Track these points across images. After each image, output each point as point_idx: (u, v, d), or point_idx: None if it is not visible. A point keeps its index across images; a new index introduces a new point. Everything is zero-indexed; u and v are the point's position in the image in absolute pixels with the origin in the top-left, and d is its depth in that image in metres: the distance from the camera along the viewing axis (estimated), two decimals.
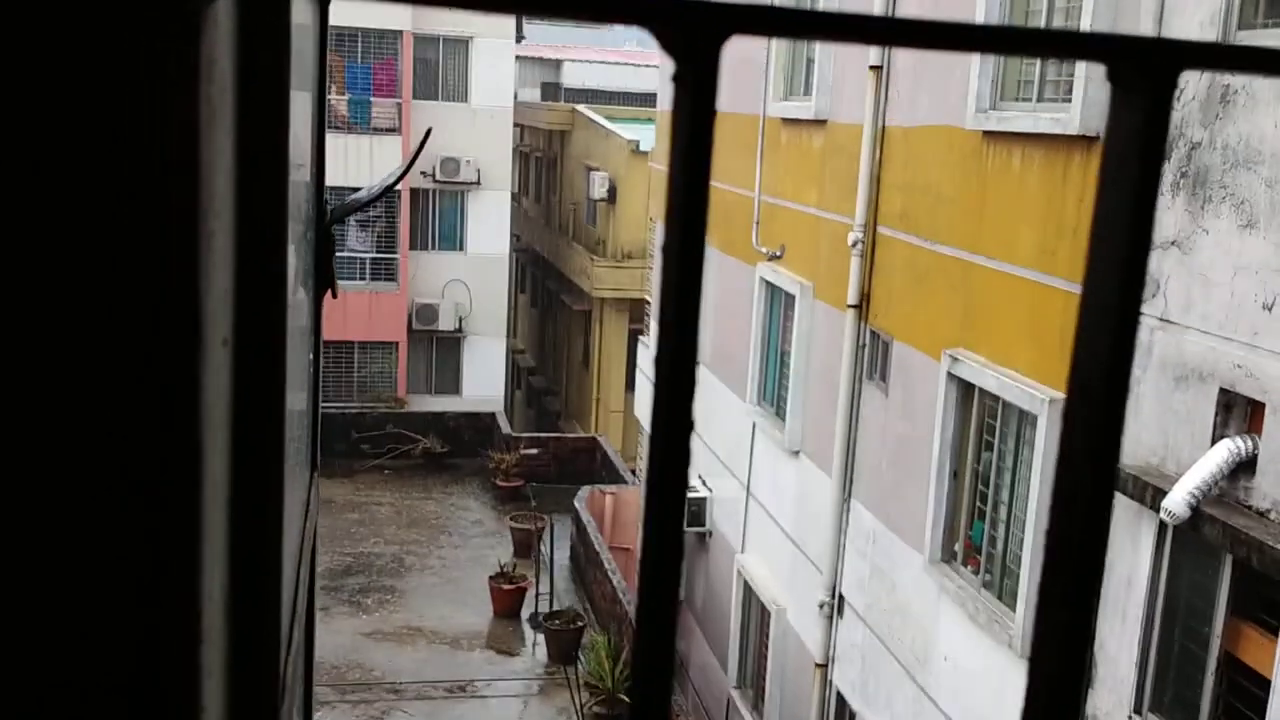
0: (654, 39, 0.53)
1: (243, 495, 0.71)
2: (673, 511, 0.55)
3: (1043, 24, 8.20)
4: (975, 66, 8.68)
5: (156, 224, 0.45)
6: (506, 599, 17.87)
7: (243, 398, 0.69)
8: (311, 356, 1.74)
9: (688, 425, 0.54)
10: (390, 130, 25.62)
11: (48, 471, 0.48)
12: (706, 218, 0.55)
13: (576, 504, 19.53)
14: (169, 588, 0.53)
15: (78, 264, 0.45)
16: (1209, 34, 6.39)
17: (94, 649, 0.52)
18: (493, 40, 26.47)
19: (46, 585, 0.50)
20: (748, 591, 13.41)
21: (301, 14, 1.49)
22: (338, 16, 23.82)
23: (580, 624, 16.90)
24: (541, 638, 17.05)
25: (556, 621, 16.85)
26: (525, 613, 17.93)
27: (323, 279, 1.73)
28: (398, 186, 25.48)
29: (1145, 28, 6.83)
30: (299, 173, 1.54)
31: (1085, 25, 7.39)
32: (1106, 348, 0.55)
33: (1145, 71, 0.54)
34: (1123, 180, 0.56)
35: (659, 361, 0.54)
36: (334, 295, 1.85)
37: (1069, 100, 7.69)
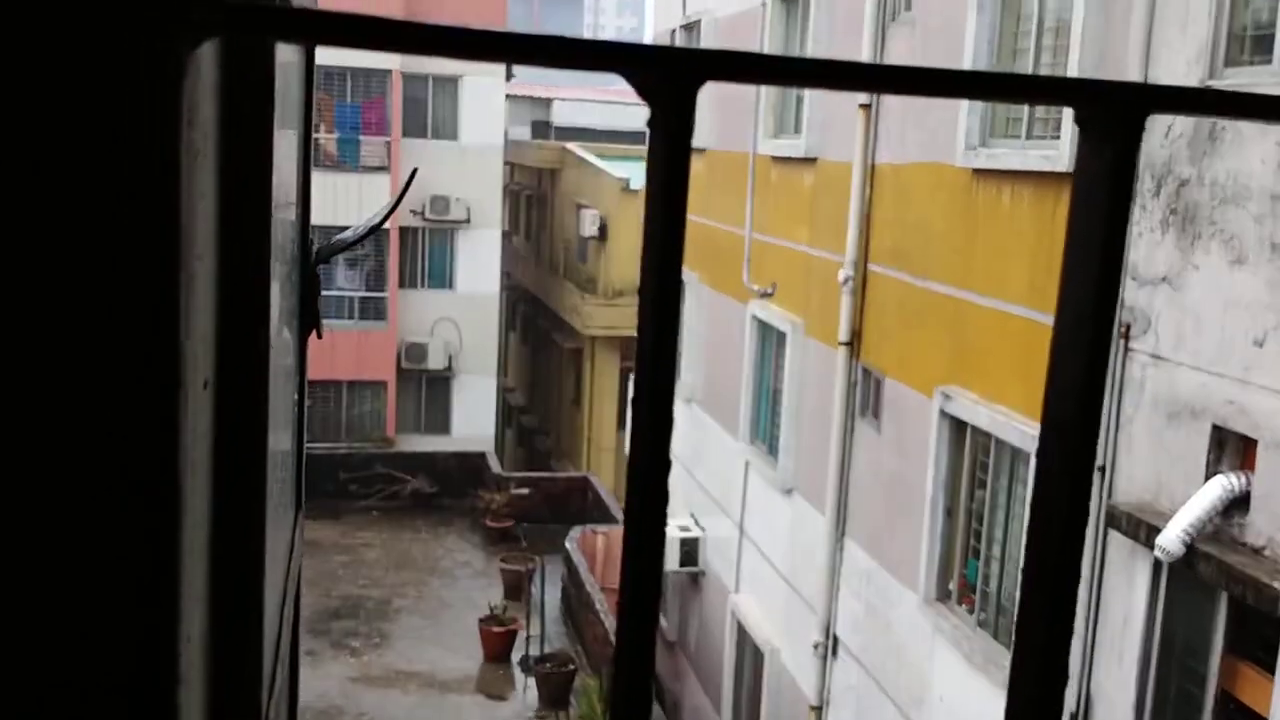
0: (630, 85, 0.53)
1: (225, 538, 0.70)
2: (651, 547, 0.55)
3: (1030, 61, 8.29)
4: (964, 104, 8.75)
5: (136, 267, 0.46)
6: (497, 642, 17.72)
7: (225, 439, 0.68)
8: (296, 397, 1.74)
9: (665, 462, 0.54)
10: (379, 169, 25.70)
11: (22, 510, 0.48)
12: (682, 257, 0.56)
13: (568, 544, 19.44)
14: (146, 628, 0.52)
15: (55, 307, 0.46)
16: (1195, 71, 6.46)
17: (71, 690, 0.51)
18: (482, 79, 26.63)
19: (19, 620, 0.50)
20: (741, 632, 13.33)
21: (287, 52, 1.50)
22: (326, 56, 23.96)
23: (572, 667, 16.76)
24: (533, 681, 16.89)
25: (548, 665, 16.71)
26: (516, 656, 17.78)
27: (308, 319, 1.73)
28: (386, 225, 25.55)
29: (1132, 64, 6.90)
30: (284, 212, 1.54)
31: (1073, 61, 7.47)
32: (1078, 384, 0.56)
33: (1113, 115, 0.55)
34: (1092, 222, 0.56)
35: (636, 400, 0.54)
36: (319, 336, 1.85)
37: (1058, 137, 7.76)
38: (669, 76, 0.52)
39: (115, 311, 0.47)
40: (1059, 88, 0.55)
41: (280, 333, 1.48)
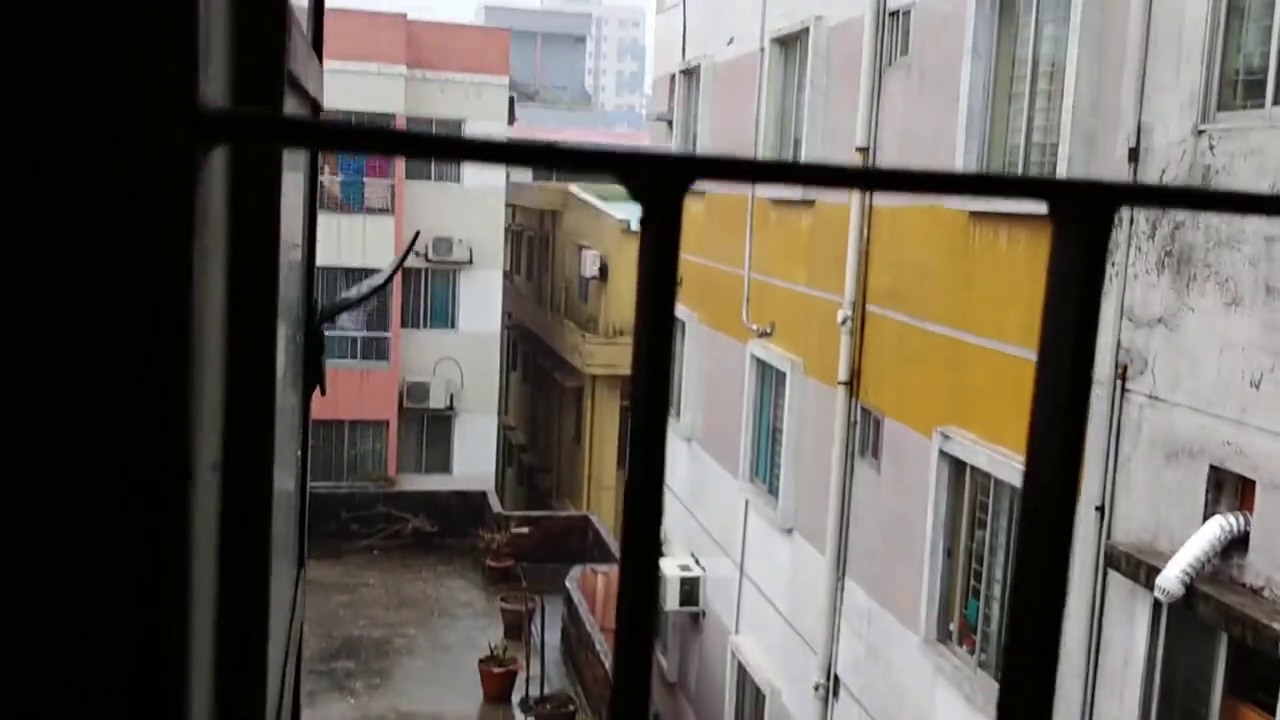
0: (624, 187, 0.56)
1: (228, 611, 0.72)
2: (646, 587, 0.58)
3: (1025, 104, 8.36)
4: (960, 146, 8.83)
5: (149, 366, 0.48)
6: (497, 682, 17.61)
7: (230, 518, 0.71)
8: (299, 453, 1.76)
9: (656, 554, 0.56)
10: (383, 210, 25.85)
11: (32, 582, 0.50)
12: (671, 346, 0.58)
13: (568, 584, 19.36)
14: (153, 704, 0.54)
15: (74, 405, 0.48)
16: (1189, 115, 6.52)
17: None
18: (485, 123, 26.83)
19: (32, 683, 0.51)
20: (742, 673, 13.26)
21: (292, 108, 1.53)
22: (331, 99, 24.17)
23: (572, 708, 16.65)
24: None
25: (548, 705, 16.60)
26: (516, 696, 17.66)
27: (311, 377, 1.76)
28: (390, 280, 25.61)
29: (1126, 108, 6.97)
30: (290, 271, 1.57)
31: (1067, 105, 7.53)
32: (1054, 465, 0.58)
33: (1083, 209, 0.57)
34: (1065, 311, 0.59)
35: (628, 487, 0.57)
36: (323, 393, 1.87)
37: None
38: (659, 179, 0.55)
39: (129, 408, 0.49)
40: (1033, 185, 0.58)
41: (284, 392, 1.50)
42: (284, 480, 1.38)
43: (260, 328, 0.73)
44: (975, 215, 8.72)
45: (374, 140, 0.49)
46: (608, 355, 25.85)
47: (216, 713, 0.74)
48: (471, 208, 26.84)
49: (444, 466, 27.23)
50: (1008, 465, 8.10)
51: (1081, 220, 0.57)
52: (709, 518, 14.64)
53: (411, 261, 26.19)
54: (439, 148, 0.50)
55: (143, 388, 0.48)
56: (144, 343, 0.48)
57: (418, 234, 3.02)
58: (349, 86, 24.69)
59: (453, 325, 27.30)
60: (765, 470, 13.04)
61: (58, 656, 0.50)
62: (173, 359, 0.49)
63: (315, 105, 1.63)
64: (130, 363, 0.48)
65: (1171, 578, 6.09)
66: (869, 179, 0.54)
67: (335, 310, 2.24)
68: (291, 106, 1.14)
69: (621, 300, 25.93)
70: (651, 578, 0.56)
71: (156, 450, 0.50)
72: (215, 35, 0.60)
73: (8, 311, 0.48)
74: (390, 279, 2.63)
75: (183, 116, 0.46)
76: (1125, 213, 6.96)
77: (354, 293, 2.38)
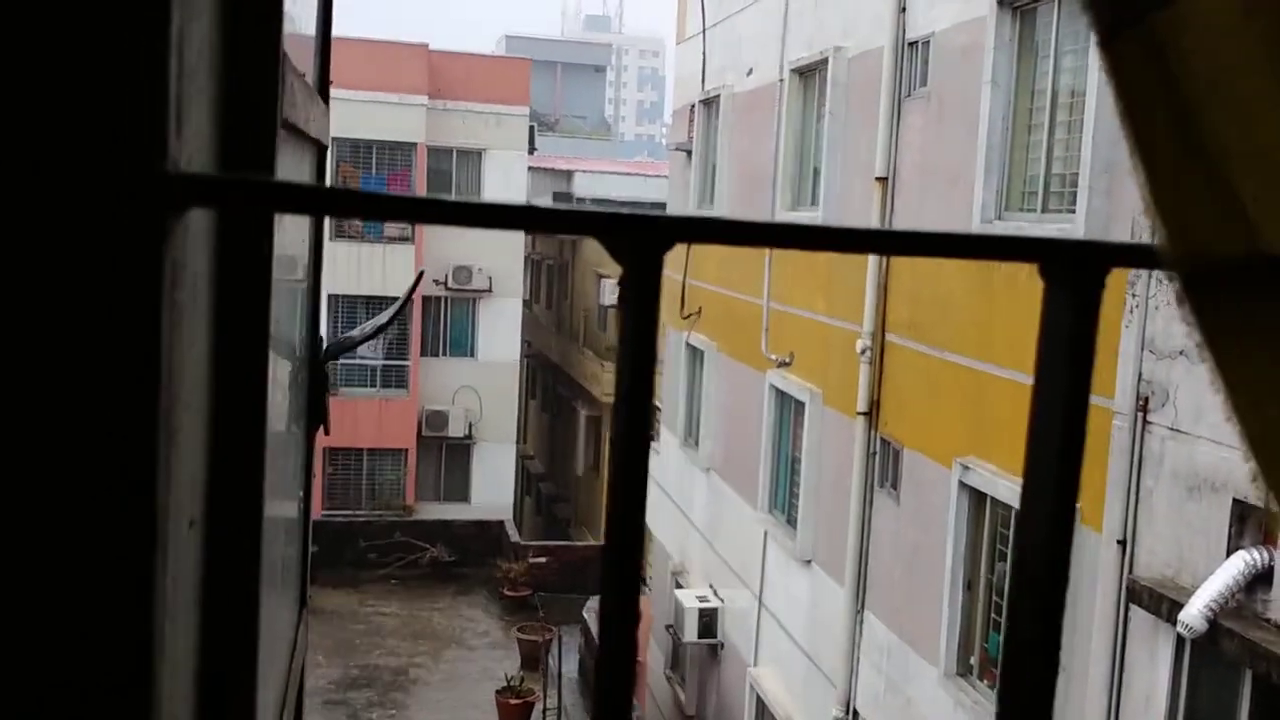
0: (605, 249, 0.56)
1: (212, 668, 0.71)
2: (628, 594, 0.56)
3: (1045, 135, 8.34)
4: (980, 176, 8.81)
5: (113, 421, 0.47)
6: (514, 714, 17.53)
7: (214, 574, 0.70)
8: (302, 492, 1.76)
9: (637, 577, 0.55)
10: (402, 239, 25.99)
11: None
12: (652, 404, 0.57)
13: (586, 614, 19.29)
14: None
15: (33, 455, 0.47)
16: None
17: None
18: (505, 152, 26.99)
19: None
20: (760, 706, 13.15)
21: (297, 170, 1.54)
22: (352, 128, 24.36)
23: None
24: None
25: None
26: None
27: (315, 416, 1.75)
28: (405, 308, 25.74)
29: None
30: (295, 305, 1.57)
31: (1087, 138, 7.51)
32: (1044, 542, 0.56)
33: (1075, 270, 0.56)
34: (1057, 368, 0.57)
35: (606, 547, 0.55)
36: (326, 432, 1.87)
37: (1073, 210, 7.79)
38: (638, 240, 0.54)
39: (91, 457, 0.48)
40: (1024, 245, 0.57)
41: (288, 430, 1.50)
42: (281, 525, 1.37)
43: (249, 385, 0.72)
44: None
45: (343, 202, 0.48)
46: None
47: None
48: (491, 236, 26.93)
49: (462, 495, 27.23)
50: None
51: (1073, 280, 0.56)
52: (728, 549, 14.57)
53: (431, 290, 26.32)
54: (411, 210, 0.49)
55: (108, 447, 0.48)
56: (108, 405, 0.48)
57: (422, 273, 3.04)
58: (371, 116, 24.89)
59: (472, 354, 27.37)
60: (784, 501, 12.98)
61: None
62: (139, 422, 0.48)
63: (320, 147, 1.63)
64: (94, 424, 0.48)
65: (1194, 613, 6.01)
66: (851, 239, 0.53)
67: (340, 349, 2.24)
68: (290, 153, 1.14)
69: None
70: (631, 608, 0.55)
71: (122, 508, 0.49)
72: (195, 90, 0.60)
73: None
74: (394, 319, 2.64)
75: (149, 181, 0.46)
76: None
77: (358, 332, 2.38)
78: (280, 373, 1.25)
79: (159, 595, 0.51)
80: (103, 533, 0.49)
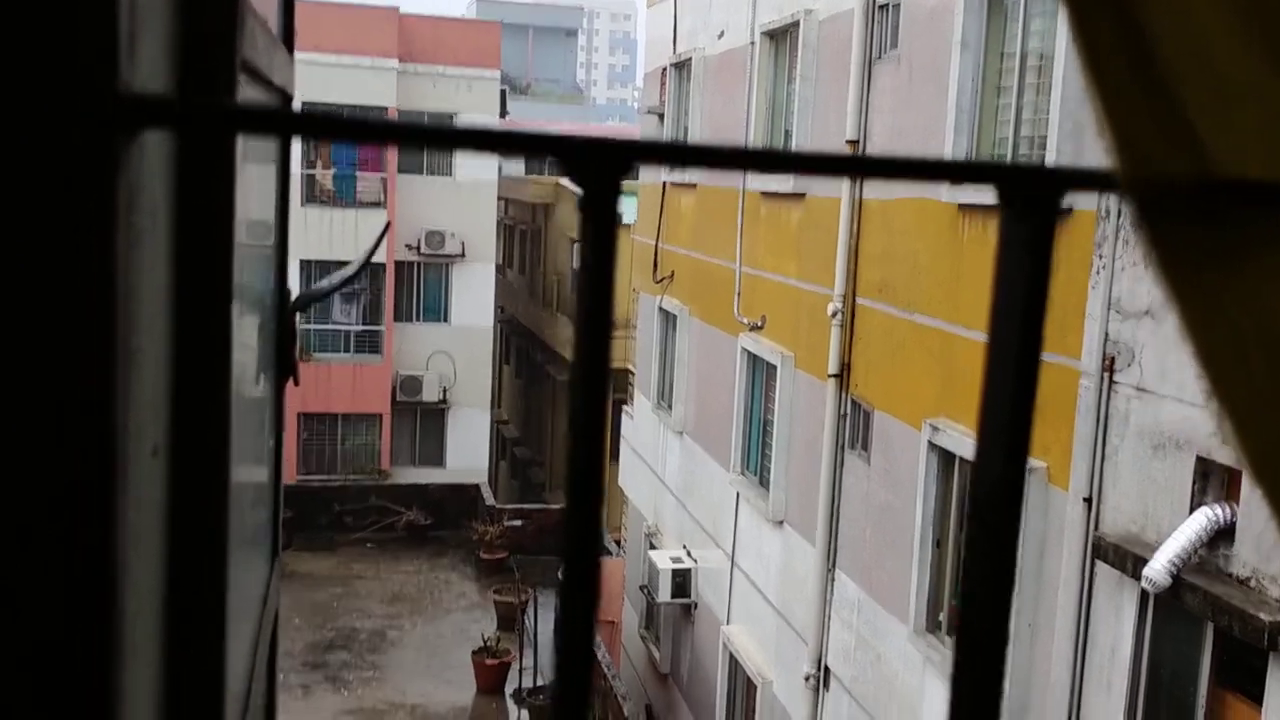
0: (564, 170, 0.56)
1: (182, 601, 0.71)
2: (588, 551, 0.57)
3: (1013, 98, 8.36)
4: (949, 140, 8.83)
5: (67, 341, 0.47)
6: (490, 674, 17.64)
7: (182, 504, 0.70)
8: (273, 443, 1.75)
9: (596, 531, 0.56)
10: (375, 204, 25.80)
11: None
12: (611, 327, 0.57)
13: (561, 576, 19.36)
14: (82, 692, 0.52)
15: None
16: None
17: None
18: (477, 117, 26.77)
19: None
20: (733, 664, 13.28)
21: (253, 98, 1.52)
22: (323, 93, 24.10)
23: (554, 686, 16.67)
24: (526, 713, 16.80)
25: (541, 697, 16.63)
26: (509, 688, 17.69)
27: (284, 366, 1.75)
28: (382, 260, 25.60)
29: None
30: (261, 258, 1.56)
31: (1055, 99, 7.53)
32: (998, 467, 0.57)
33: (1032, 194, 0.57)
34: (1014, 295, 0.58)
35: (570, 464, 0.56)
36: (295, 383, 1.86)
37: None
38: (598, 162, 0.55)
39: (47, 381, 0.48)
40: (982, 170, 0.57)
41: (257, 380, 1.49)
42: (252, 470, 1.37)
43: (213, 312, 0.72)
44: (964, 208, 8.73)
45: (299, 123, 0.48)
46: None
47: (168, 706, 0.73)
48: (463, 201, 26.80)
49: (437, 460, 27.22)
50: None
51: (1029, 206, 0.57)
52: (700, 510, 14.65)
53: (404, 254, 26.18)
54: (368, 131, 0.49)
55: (63, 367, 0.48)
56: (63, 324, 0.48)
57: (389, 224, 3.03)
58: (341, 80, 24.63)
59: (445, 319, 27.27)
60: (756, 463, 13.06)
61: None
62: (94, 341, 0.48)
63: (285, 96, 1.62)
64: (48, 343, 0.48)
65: (1159, 568, 6.11)
66: (814, 163, 0.54)
67: (308, 300, 2.24)
68: (252, 96, 1.13)
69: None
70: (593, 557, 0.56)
71: (78, 428, 0.49)
72: (149, 17, 0.59)
73: None
74: (362, 269, 2.64)
75: (101, 100, 0.46)
76: (1113, 205, 6.97)
77: (326, 283, 2.38)
78: (246, 316, 1.24)
79: (119, 518, 0.52)
80: (59, 452, 0.49)
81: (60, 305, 0.47)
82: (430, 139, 0.52)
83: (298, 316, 2.00)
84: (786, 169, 0.56)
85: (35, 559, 0.48)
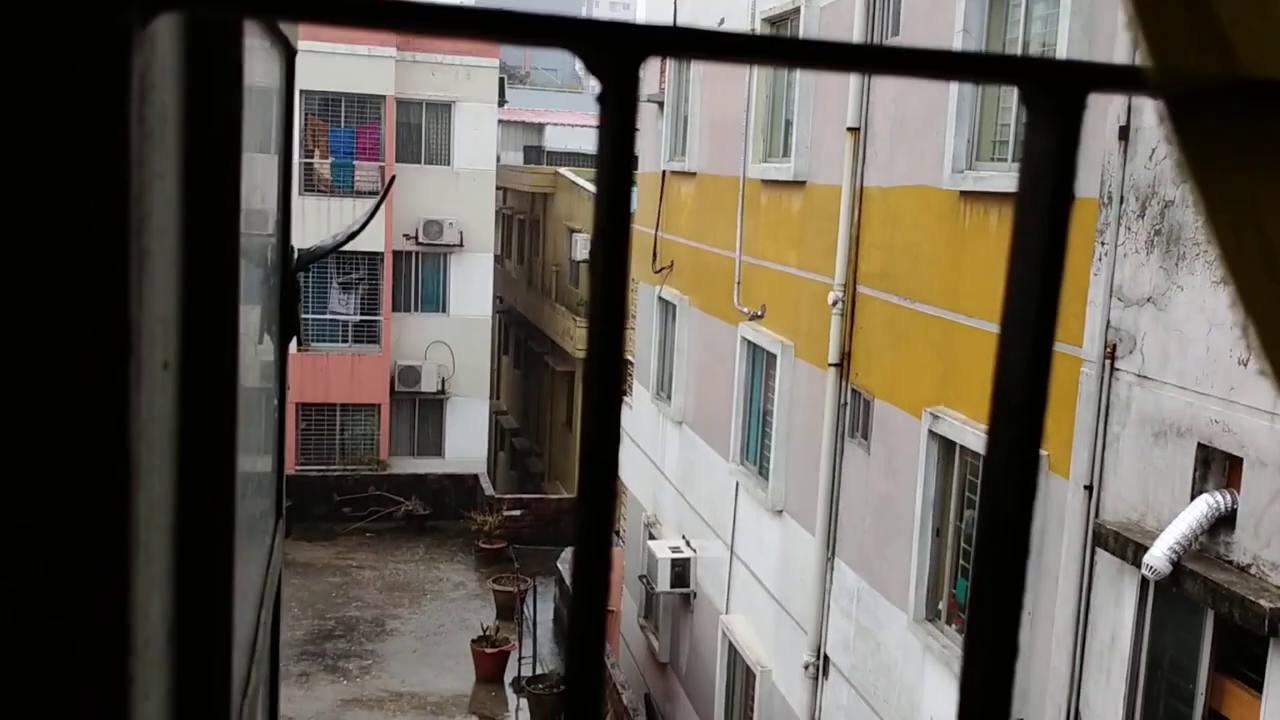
0: (579, 59, 0.54)
1: (189, 525, 0.70)
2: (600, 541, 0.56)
3: (1013, 106, 8.33)
4: (951, 128, 8.81)
5: (83, 236, 0.46)
6: (489, 663, 17.65)
7: (191, 426, 0.69)
8: (277, 402, 1.74)
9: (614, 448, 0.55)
10: (373, 193, 25.76)
11: None
12: (630, 230, 0.56)
13: (560, 565, 19.40)
14: (96, 620, 0.52)
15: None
16: None
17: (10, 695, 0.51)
18: (475, 104, 26.74)
19: None
20: (732, 653, 13.29)
21: (267, 73, 1.51)
22: (321, 81, 24.07)
23: (564, 688, 16.70)
24: (525, 702, 16.82)
25: (540, 685, 16.65)
26: (508, 677, 17.70)
27: (289, 326, 1.74)
28: (380, 250, 25.57)
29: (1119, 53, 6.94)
30: (265, 221, 1.55)
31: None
32: (1024, 364, 0.56)
33: (1055, 92, 0.56)
34: (1038, 200, 0.57)
35: (586, 377, 0.55)
36: (299, 343, 1.85)
37: None
38: (617, 50, 0.54)
39: (57, 283, 0.47)
40: (1003, 65, 0.56)
41: (261, 339, 1.48)
42: (256, 410, 1.36)
43: (222, 220, 0.71)
44: (966, 195, 8.71)
45: (309, 6, 0.47)
46: None
47: (175, 644, 0.72)
48: (462, 190, 26.77)
49: (436, 450, 27.22)
50: None
51: (1054, 101, 0.56)
52: (700, 500, 14.65)
53: (402, 244, 26.15)
54: (380, 14, 0.48)
55: (77, 258, 0.47)
56: (76, 216, 0.47)
57: (393, 178, 3.02)
58: (340, 68, 24.58)
59: (444, 309, 27.26)
60: (756, 452, 13.05)
61: None
62: (107, 233, 0.47)
63: (289, 52, 1.60)
64: (60, 235, 0.47)
65: (1159, 555, 6.10)
66: (831, 54, 0.53)
67: (311, 258, 2.23)
68: (260, 58, 1.12)
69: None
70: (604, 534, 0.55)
71: (90, 339, 0.48)
72: None
73: None
74: (365, 225, 2.63)
75: None
76: (1115, 191, 6.95)
77: (329, 241, 2.36)
78: (256, 274, 1.23)
79: (132, 426, 0.51)
80: (73, 346, 0.48)
81: (72, 189, 0.46)
82: (441, 23, 0.51)
83: (300, 277, 2.00)
84: (806, 63, 0.55)
85: (52, 456, 0.47)
